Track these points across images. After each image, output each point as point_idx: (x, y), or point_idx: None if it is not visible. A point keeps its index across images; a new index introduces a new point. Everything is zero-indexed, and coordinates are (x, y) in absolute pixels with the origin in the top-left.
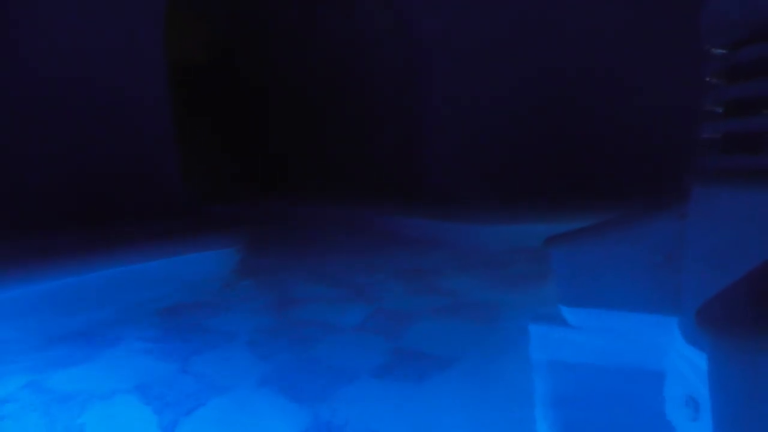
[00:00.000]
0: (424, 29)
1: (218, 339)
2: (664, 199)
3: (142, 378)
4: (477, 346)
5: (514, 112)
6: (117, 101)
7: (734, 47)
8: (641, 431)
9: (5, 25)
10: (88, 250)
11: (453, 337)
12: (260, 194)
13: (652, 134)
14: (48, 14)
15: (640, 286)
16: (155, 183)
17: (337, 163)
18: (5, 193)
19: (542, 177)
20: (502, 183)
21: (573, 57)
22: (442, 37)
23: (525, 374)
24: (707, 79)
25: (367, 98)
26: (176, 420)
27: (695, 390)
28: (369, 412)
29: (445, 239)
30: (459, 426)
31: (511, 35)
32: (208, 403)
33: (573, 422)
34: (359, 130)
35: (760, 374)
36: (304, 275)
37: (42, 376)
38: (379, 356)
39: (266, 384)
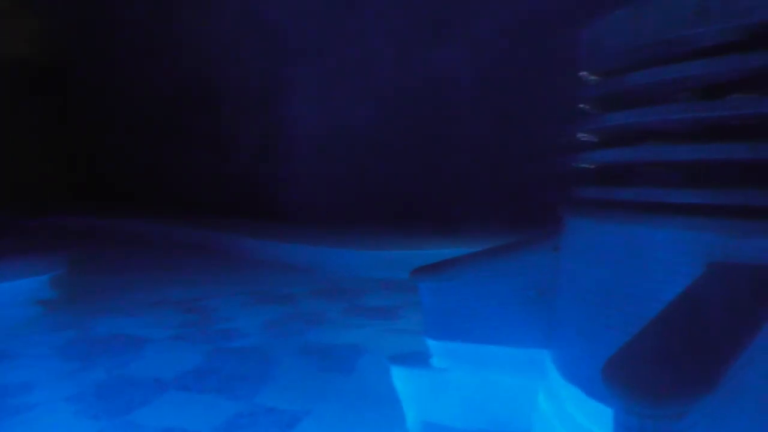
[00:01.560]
0: (286, 43)
1: None
2: (540, 231)
3: None
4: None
5: (381, 131)
6: None
7: (611, 74)
8: None
9: None
10: None
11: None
12: (94, 208)
13: (527, 162)
14: None
15: (512, 320)
16: None
17: (184, 180)
18: None
19: (412, 200)
20: (365, 203)
21: (442, 83)
22: (305, 52)
23: None
24: (581, 106)
25: (221, 111)
26: None
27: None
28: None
29: (294, 262)
30: None
31: (378, 55)
32: None
33: None
34: (211, 145)
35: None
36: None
37: None
38: None
39: None
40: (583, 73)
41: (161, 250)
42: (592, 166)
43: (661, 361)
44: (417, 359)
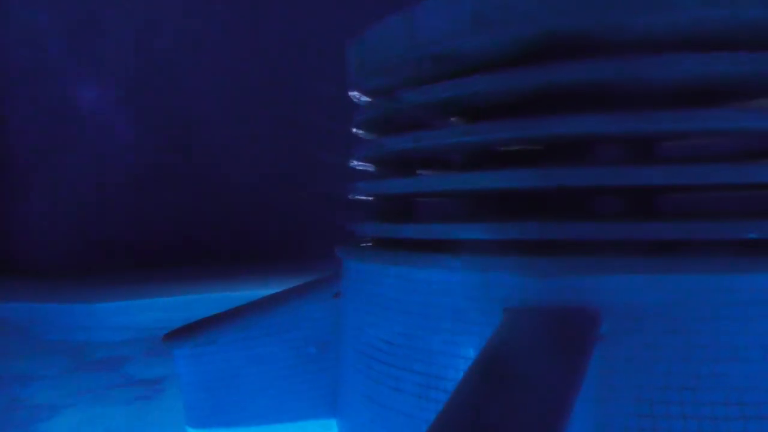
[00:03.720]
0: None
1: None
2: (320, 275)
3: None
4: None
5: (128, 172)
6: None
7: (380, 93)
8: None
9: None
10: None
11: None
12: None
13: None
14: None
15: (292, 388)
16: None
17: None
18: None
19: (165, 246)
20: (111, 251)
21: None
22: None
23: None
24: (355, 130)
25: None
26: None
27: None
28: None
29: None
30: None
31: (128, 93)
32: None
33: None
34: None
35: None
36: None
37: None
38: None
39: None
40: (353, 93)
41: None
42: (370, 199)
43: None
44: None
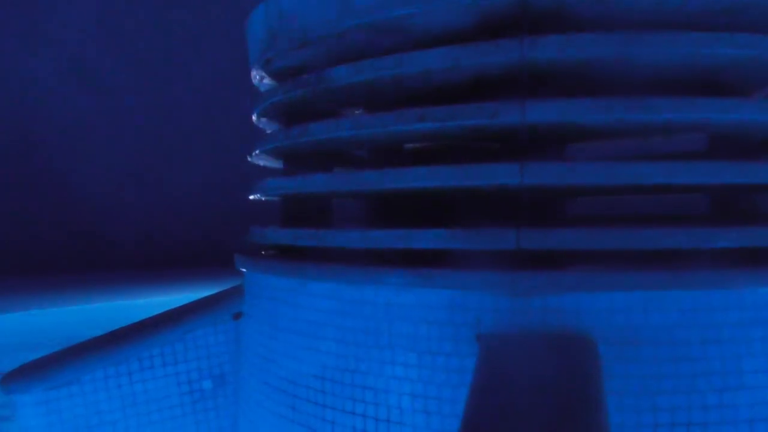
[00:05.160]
0: None
1: None
2: (219, 291)
3: None
4: None
5: None
6: None
7: (287, 73)
8: None
9: None
10: None
11: None
12: None
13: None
14: None
15: None
16: None
17: None
18: None
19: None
20: None
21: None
22: None
23: None
24: (257, 119)
25: None
26: None
27: None
28: None
29: None
30: None
31: None
32: None
33: None
34: None
35: None
36: None
37: None
38: None
39: None
40: (255, 73)
41: None
42: (278, 199)
43: None
44: None
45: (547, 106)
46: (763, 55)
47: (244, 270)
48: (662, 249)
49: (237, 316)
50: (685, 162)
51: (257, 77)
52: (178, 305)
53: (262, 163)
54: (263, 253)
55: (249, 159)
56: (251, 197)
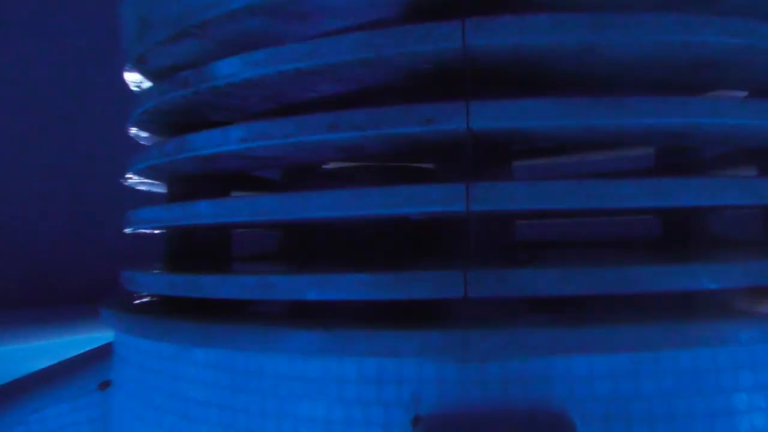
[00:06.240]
0: None
1: None
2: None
3: None
4: None
5: None
6: None
7: (192, 65)
8: None
9: None
10: None
11: None
12: None
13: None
14: None
15: None
16: None
17: None
18: None
19: None
20: None
21: None
22: None
23: None
24: (134, 133)
25: None
26: None
27: None
28: None
29: None
30: None
31: None
32: None
33: None
34: None
35: None
36: None
37: None
38: None
39: None
40: (130, 77)
41: None
42: (161, 233)
43: None
44: None
45: (499, 109)
46: (758, 45)
47: (111, 326)
48: (659, 292)
49: (104, 385)
50: (701, 179)
51: (133, 82)
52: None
53: (144, 188)
54: (137, 302)
55: (123, 182)
56: (126, 231)
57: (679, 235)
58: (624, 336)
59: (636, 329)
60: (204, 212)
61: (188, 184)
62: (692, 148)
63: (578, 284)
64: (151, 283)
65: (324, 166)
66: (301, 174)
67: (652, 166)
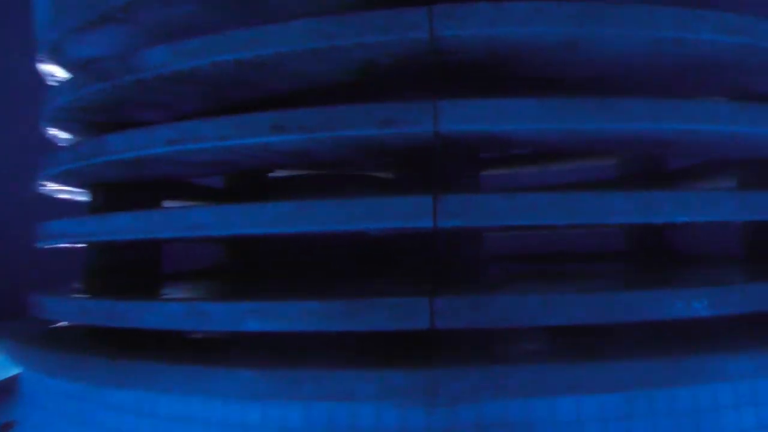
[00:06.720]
0: None
1: None
2: None
3: None
4: None
5: None
6: None
7: (94, 62)
8: None
9: None
10: None
11: None
12: None
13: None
14: None
15: None
16: None
17: None
18: None
19: None
20: None
21: None
22: None
23: None
24: (47, 130)
25: None
26: None
27: None
28: None
29: None
30: None
31: None
32: None
33: None
34: None
35: None
36: None
37: None
38: None
39: None
40: (45, 69)
41: None
42: (81, 247)
43: None
44: None
45: (472, 109)
46: (756, 44)
47: (16, 363)
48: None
49: (7, 426)
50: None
51: (49, 76)
52: None
53: (64, 195)
54: (53, 328)
55: (37, 190)
56: (39, 245)
57: (655, 247)
58: (617, 373)
59: (631, 365)
60: (123, 227)
61: (112, 193)
62: (659, 158)
63: (565, 314)
64: (59, 310)
65: (270, 175)
66: (244, 183)
67: (616, 176)
